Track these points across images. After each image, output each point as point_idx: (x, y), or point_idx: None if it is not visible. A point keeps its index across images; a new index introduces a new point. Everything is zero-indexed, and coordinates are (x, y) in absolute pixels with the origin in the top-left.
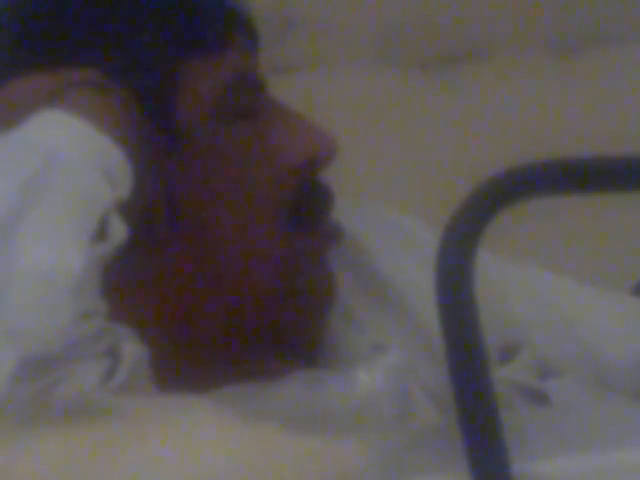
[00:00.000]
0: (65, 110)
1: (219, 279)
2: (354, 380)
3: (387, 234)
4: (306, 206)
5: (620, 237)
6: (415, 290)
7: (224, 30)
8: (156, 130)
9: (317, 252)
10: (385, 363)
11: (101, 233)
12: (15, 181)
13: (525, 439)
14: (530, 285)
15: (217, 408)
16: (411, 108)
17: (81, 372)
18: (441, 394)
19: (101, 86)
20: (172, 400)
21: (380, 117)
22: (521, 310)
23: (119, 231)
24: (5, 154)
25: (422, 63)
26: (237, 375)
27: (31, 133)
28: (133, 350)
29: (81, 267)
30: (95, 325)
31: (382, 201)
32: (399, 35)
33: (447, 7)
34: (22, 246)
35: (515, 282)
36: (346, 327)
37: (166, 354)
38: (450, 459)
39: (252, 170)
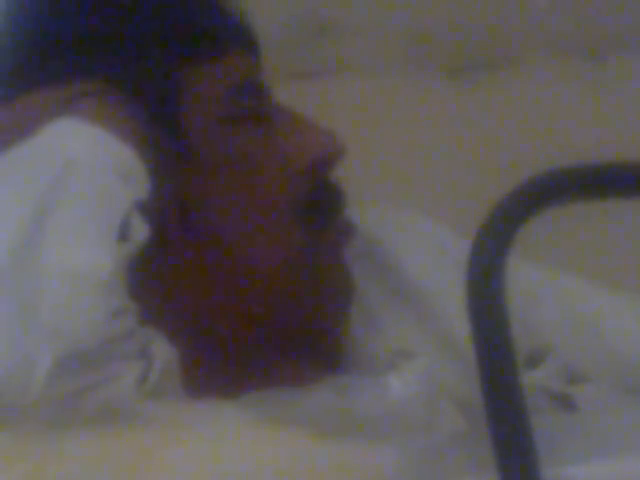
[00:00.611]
0: (79, 118)
1: (236, 282)
2: (385, 386)
3: (412, 239)
4: (318, 205)
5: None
6: (440, 295)
7: (226, 37)
8: (165, 137)
9: (332, 249)
10: (416, 369)
11: (122, 235)
12: (37, 187)
13: (554, 444)
14: (555, 290)
15: (247, 414)
16: (439, 114)
17: (118, 374)
18: (466, 400)
19: (109, 96)
20: (202, 405)
21: (408, 123)
22: (546, 315)
23: (141, 231)
24: (25, 161)
25: (450, 69)
26: (263, 380)
27: (49, 140)
28: (164, 352)
29: (110, 266)
30: (127, 324)
31: (409, 206)
32: (427, 41)
33: (476, 13)
34: (50, 247)
35: (540, 287)
36: (368, 332)
37: (187, 358)
38: (480, 464)
39: (262, 172)
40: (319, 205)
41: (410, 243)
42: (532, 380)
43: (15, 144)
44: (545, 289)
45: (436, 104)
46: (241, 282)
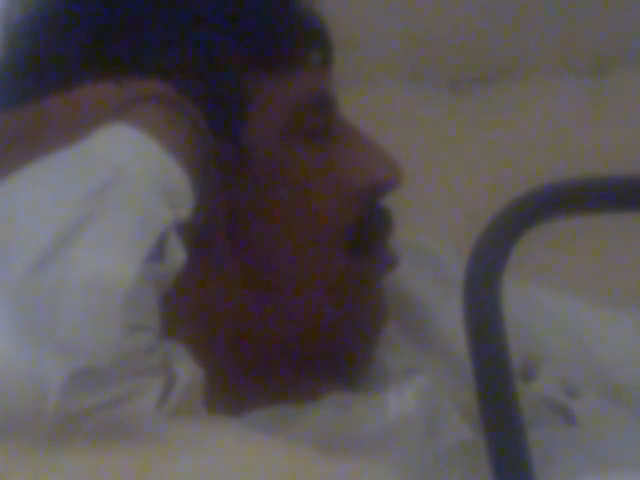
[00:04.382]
0: (131, 125)
1: (275, 302)
2: (385, 403)
3: (414, 259)
4: (367, 231)
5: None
6: (438, 311)
7: (300, 48)
8: (222, 148)
9: (374, 278)
10: (414, 385)
11: (157, 255)
12: (79, 193)
13: (551, 457)
14: (544, 306)
15: (247, 431)
16: (439, 126)
17: (135, 392)
18: (474, 412)
19: (169, 101)
20: (201, 422)
21: (410, 135)
22: (536, 330)
23: (178, 254)
24: (72, 166)
25: (452, 82)
26: (284, 398)
27: (97, 147)
28: (190, 370)
29: (134, 279)
30: (145, 339)
31: (411, 221)
32: (427, 53)
33: (476, 26)
34: (77, 256)
35: (530, 303)
36: (384, 351)
37: (215, 377)
38: (478, 477)
39: (316, 192)
40: (369, 231)
41: (409, 261)
42: (535, 390)
43: (69, 136)
44: (532, 305)
45: (436, 116)
46: (281, 301)
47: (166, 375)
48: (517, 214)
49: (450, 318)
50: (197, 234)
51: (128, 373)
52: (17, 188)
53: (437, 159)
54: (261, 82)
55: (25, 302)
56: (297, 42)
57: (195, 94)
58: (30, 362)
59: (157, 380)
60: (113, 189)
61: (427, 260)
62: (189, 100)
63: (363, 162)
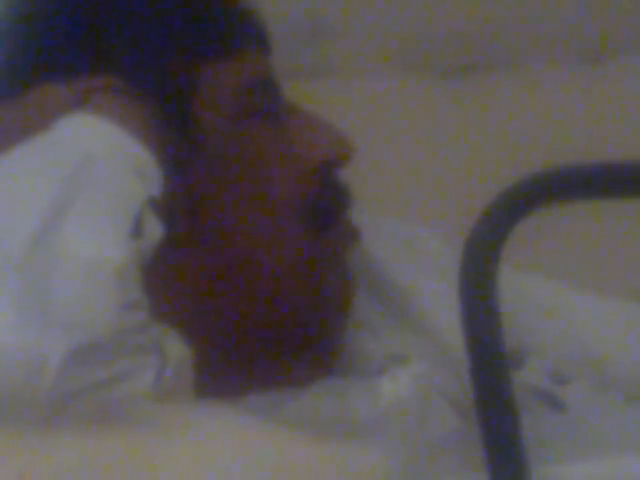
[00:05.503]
0: (90, 113)
1: (240, 281)
2: (378, 389)
3: (398, 244)
4: (325, 205)
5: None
6: (429, 299)
7: (238, 36)
8: (177, 133)
9: (337, 251)
10: (409, 372)
11: (136, 231)
12: (53, 180)
13: (544, 443)
14: (534, 294)
15: (240, 416)
16: (432, 116)
17: (134, 370)
18: (461, 400)
19: (123, 91)
20: (193, 407)
21: (400, 125)
22: (525, 317)
23: (155, 228)
24: (43, 154)
25: (444, 71)
26: (262, 381)
27: (65, 135)
28: (179, 350)
29: (123, 259)
30: (140, 317)
31: (399, 207)
32: (421, 43)
33: (470, 15)
34: (66, 239)
35: (518, 290)
36: (362, 335)
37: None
38: (471, 464)
39: (272, 170)
40: (326, 206)
41: (391, 247)
42: (520, 378)
43: (28, 137)
44: (522, 292)
45: (430, 106)
46: (246, 281)
47: (160, 355)
48: (513, 200)
49: (435, 302)
50: (162, 220)
51: (125, 350)
52: None
53: (429, 147)
54: (206, 69)
55: (21, 284)
56: (236, 31)
57: (146, 86)
58: (29, 340)
59: (153, 359)
60: (85, 173)
61: (409, 244)
62: (141, 90)
63: (314, 139)
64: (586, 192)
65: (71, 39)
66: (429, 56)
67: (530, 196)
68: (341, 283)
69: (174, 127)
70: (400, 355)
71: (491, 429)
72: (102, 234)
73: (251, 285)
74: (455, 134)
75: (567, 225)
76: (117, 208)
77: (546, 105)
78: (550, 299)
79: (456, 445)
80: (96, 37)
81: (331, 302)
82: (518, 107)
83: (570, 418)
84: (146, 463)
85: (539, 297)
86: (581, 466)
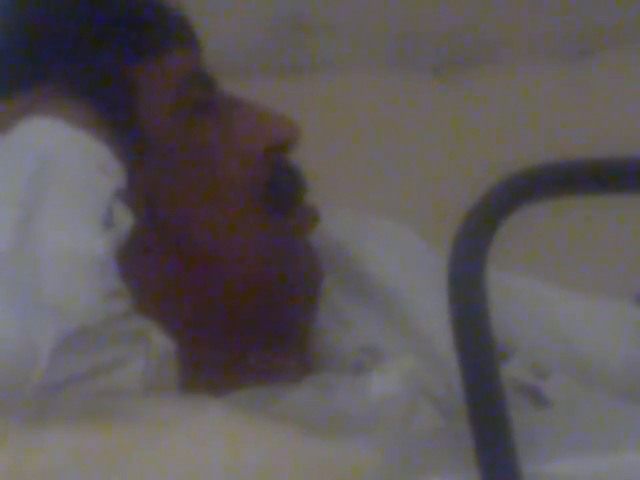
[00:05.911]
0: (42, 116)
1: (202, 272)
2: (368, 384)
3: (373, 239)
4: (278, 189)
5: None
6: (409, 296)
7: (166, 34)
8: (123, 133)
9: (298, 233)
10: (400, 367)
11: (107, 222)
12: (19, 180)
13: (533, 439)
14: (517, 291)
15: (229, 411)
16: (423, 110)
17: (122, 358)
18: (444, 399)
19: (68, 97)
20: (184, 402)
21: (392, 119)
22: (509, 315)
23: (125, 218)
24: (2, 157)
25: (434, 66)
26: (240, 375)
27: (24, 137)
28: (161, 341)
29: (102, 249)
30: (123, 304)
31: (387, 202)
32: (411, 38)
33: (459, 11)
34: (44, 233)
35: (502, 288)
36: (335, 328)
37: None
38: (461, 460)
39: (219, 161)
40: (280, 189)
41: (374, 246)
42: (506, 374)
43: None
44: (505, 290)
45: (420, 101)
46: (207, 271)
47: (147, 345)
48: (502, 196)
49: (419, 299)
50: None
51: (113, 338)
52: None
53: (420, 141)
54: (140, 69)
55: (6, 275)
56: (161, 30)
57: (86, 92)
58: (19, 329)
59: (140, 349)
60: (49, 172)
61: (385, 239)
62: (84, 97)
63: (259, 126)
64: (574, 188)
65: (9, 53)
66: (419, 52)
67: (519, 192)
68: (307, 265)
69: (120, 129)
70: (371, 347)
71: (481, 425)
72: (77, 225)
73: (215, 275)
74: (445, 129)
75: (552, 223)
76: (86, 201)
77: (535, 100)
78: (534, 298)
79: (445, 441)
80: (29, 50)
81: (300, 284)
82: (508, 101)
83: (560, 413)
84: (135, 458)
85: (523, 296)
86: (571, 462)
